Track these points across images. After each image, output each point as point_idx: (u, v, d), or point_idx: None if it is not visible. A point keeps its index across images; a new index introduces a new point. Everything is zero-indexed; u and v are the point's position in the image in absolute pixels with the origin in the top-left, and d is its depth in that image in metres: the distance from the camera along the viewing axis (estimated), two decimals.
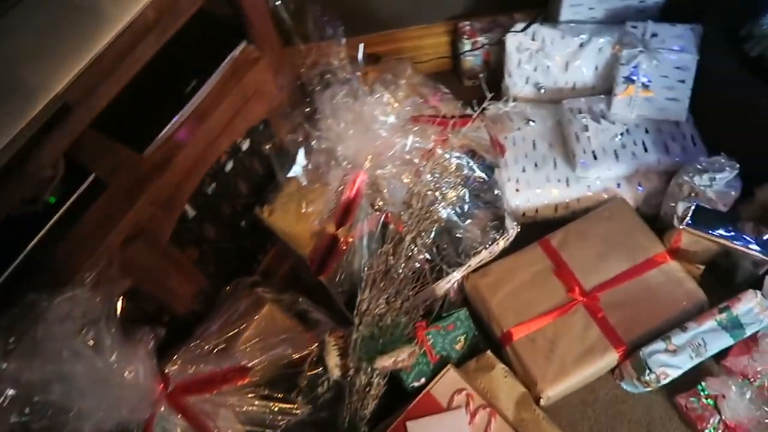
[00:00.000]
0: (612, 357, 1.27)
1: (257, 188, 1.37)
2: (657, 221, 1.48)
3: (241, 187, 1.35)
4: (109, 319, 1.00)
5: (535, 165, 1.53)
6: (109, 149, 1.09)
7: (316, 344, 1.21)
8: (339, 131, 1.15)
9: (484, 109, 1.39)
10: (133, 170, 1.08)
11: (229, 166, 1.30)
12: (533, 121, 1.58)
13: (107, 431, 1.00)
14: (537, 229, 1.49)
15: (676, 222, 1.35)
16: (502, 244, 1.43)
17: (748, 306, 1.23)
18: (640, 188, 1.49)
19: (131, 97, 1.09)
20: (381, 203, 1.26)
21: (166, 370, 1.11)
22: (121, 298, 1.13)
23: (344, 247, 1.28)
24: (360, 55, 1.16)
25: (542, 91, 1.64)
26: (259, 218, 1.38)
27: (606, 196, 1.50)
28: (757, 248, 1.27)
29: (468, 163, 1.31)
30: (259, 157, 1.34)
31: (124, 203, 1.05)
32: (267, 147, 1.22)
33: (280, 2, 1.13)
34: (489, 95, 1.24)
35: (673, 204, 1.38)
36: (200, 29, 1.17)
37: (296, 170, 1.20)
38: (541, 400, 1.26)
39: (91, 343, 0.98)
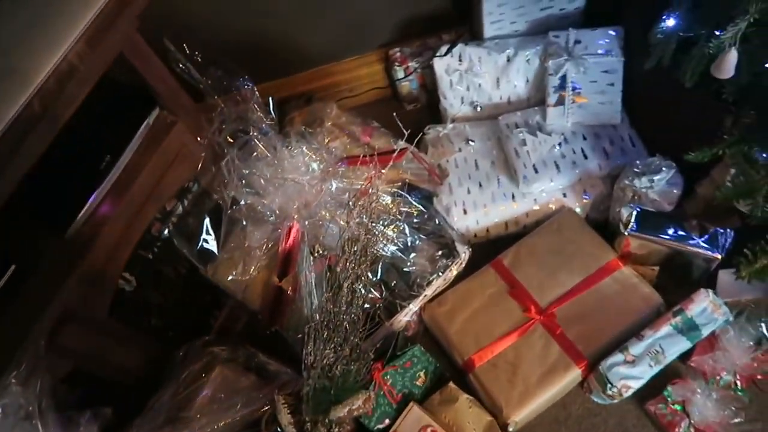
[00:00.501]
0: (575, 373, 1.25)
1: (199, 250, 1.36)
2: (608, 226, 1.47)
3: (182, 249, 1.33)
4: (44, 411, 0.97)
5: (480, 185, 1.52)
6: (29, 235, 1.07)
7: (271, 401, 1.18)
8: (260, 188, 1.14)
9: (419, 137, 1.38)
10: (57, 254, 1.06)
11: (165, 230, 1.29)
12: (473, 141, 1.58)
13: None
14: (492, 247, 1.48)
15: (621, 228, 1.34)
16: (454, 269, 1.42)
17: (702, 306, 1.21)
18: (586, 196, 1.48)
19: (47, 180, 1.08)
20: (320, 249, 1.24)
21: None
22: (64, 381, 1.12)
23: (293, 295, 1.27)
24: (271, 107, 1.15)
25: (479, 109, 1.64)
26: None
27: (554, 208, 1.49)
28: (704, 246, 1.26)
29: (402, 197, 1.30)
30: (195, 217, 1.33)
31: (50, 289, 1.03)
32: (168, 229, 1.20)
33: (188, 64, 1.13)
34: (406, 132, 1.22)
35: (619, 209, 1.37)
36: (111, 102, 1.16)
37: (207, 244, 1.19)
38: (509, 426, 1.24)
39: None
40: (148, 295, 1.30)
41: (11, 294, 1.02)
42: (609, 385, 1.19)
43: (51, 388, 1.01)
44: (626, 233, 1.31)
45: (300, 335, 1.27)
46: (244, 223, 1.24)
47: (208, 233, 1.18)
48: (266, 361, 1.28)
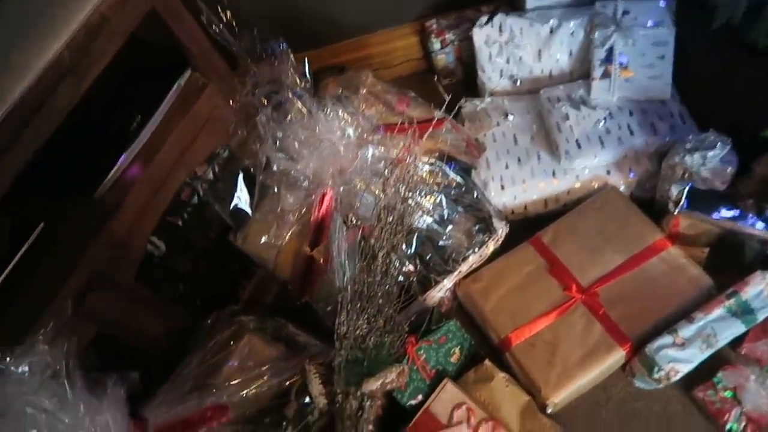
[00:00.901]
0: (618, 355, 1.19)
1: (230, 214, 1.32)
2: (654, 206, 1.40)
3: (212, 216, 1.30)
4: (71, 372, 0.95)
5: (519, 160, 1.46)
6: (57, 195, 1.05)
7: (302, 371, 1.14)
8: (294, 151, 1.10)
9: (456, 111, 1.33)
10: (84, 215, 1.04)
11: (195, 196, 1.26)
12: (512, 115, 1.52)
13: None
14: (529, 225, 1.42)
15: (671, 207, 1.27)
16: (491, 246, 1.37)
17: (757, 289, 1.14)
18: (631, 173, 1.41)
19: (77, 140, 1.06)
20: (354, 219, 1.20)
21: (145, 415, 1.06)
22: (91, 345, 1.10)
23: (324, 266, 1.23)
24: (306, 70, 1.11)
25: (518, 83, 1.57)
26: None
27: (596, 186, 1.42)
28: (761, 226, 1.18)
29: (440, 167, 1.25)
30: (225, 183, 1.30)
31: (77, 250, 1.01)
32: (198, 194, 1.16)
33: (221, 25, 1.09)
34: (447, 97, 1.16)
35: (668, 187, 1.30)
36: (143, 63, 1.14)
37: (239, 200, 1.15)
38: (548, 407, 1.18)
39: (54, 398, 0.93)
40: (177, 261, 1.27)
41: (39, 253, 1.00)
42: (656, 369, 1.13)
43: (78, 350, 0.99)
44: (676, 212, 1.25)
45: (330, 308, 1.24)
46: (276, 189, 1.20)
47: (241, 190, 1.15)
48: (295, 332, 1.24)
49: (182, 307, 1.27)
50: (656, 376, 1.14)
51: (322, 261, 1.23)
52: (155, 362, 1.21)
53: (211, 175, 1.26)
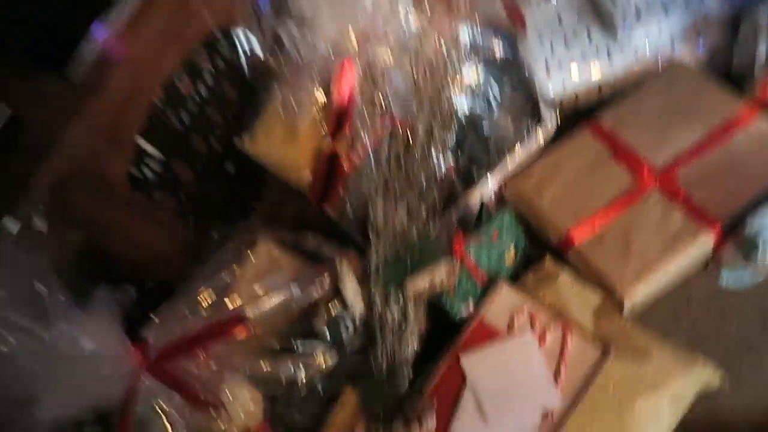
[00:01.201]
0: (706, 239, 0.99)
1: (235, 117, 1.14)
2: (730, 79, 1.19)
3: (215, 117, 1.12)
4: (49, 280, 0.78)
5: (565, 41, 1.25)
6: (27, 76, 0.86)
7: (331, 280, 0.96)
8: (312, 9, 0.90)
9: None
10: (59, 96, 0.86)
11: (194, 92, 1.07)
12: None
13: (79, 417, 0.79)
14: (580, 120, 1.21)
15: (757, 70, 1.07)
16: (540, 137, 1.17)
17: None
18: (700, 46, 1.20)
19: (45, 11, 0.88)
20: (381, 100, 1.01)
21: (145, 335, 0.89)
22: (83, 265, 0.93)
23: (349, 164, 1.05)
24: None
25: None
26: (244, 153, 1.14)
27: (659, 63, 1.22)
28: None
29: (483, 36, 1.05)
30: (228, 79, 1.11)
31: (52, 135, 0.83)
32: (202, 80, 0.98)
33: None
34: None
35: (751, 48, 1.09)
36: None
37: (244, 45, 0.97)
38: (625, 306, 0.99)
39: (30, 312, 0.76)
40: (177, 171, 1.09)
41: (8, 141, 0.83)
42: (759, 250, 0.93)
43: (62, 259, 0.82)
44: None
45: (353, 218, 1.05)
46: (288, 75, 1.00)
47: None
48: (319, 244, 1.05)
49: (183, 225, 1.10)
50: (759, 260, 0.94)
51: (346, 157, 1.04)
52: (157, 290, 1.03)
53: (210, 66, 1.08)
